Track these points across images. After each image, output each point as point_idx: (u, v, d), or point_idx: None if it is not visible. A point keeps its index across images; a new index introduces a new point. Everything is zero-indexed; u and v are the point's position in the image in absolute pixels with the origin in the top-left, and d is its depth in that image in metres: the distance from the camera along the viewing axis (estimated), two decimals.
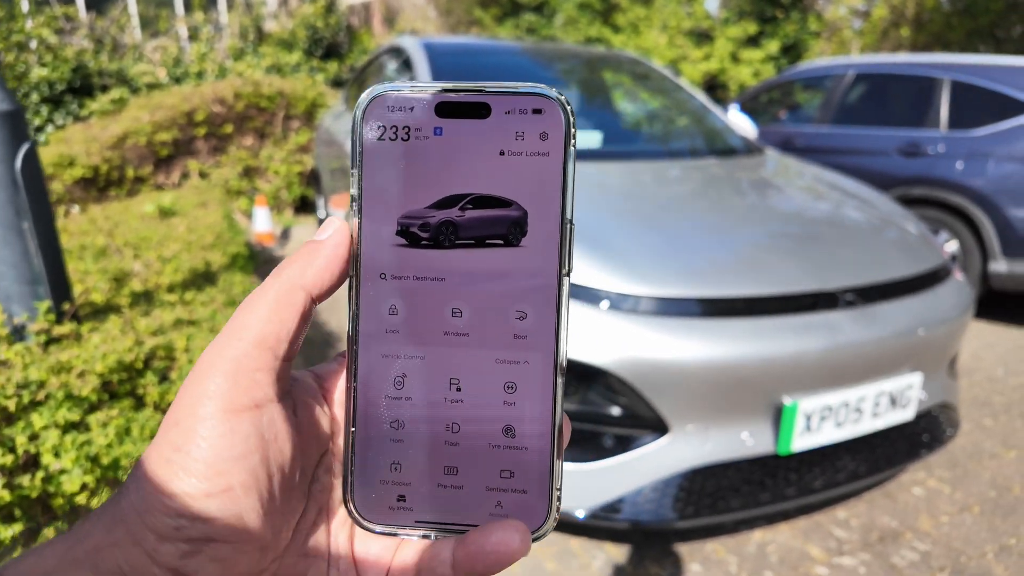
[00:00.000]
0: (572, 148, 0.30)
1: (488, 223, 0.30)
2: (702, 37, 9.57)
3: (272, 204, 5.86)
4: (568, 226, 0.30)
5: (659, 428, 1.55)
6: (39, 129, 6.57)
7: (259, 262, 3.85)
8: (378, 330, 0.31)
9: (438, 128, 0.30)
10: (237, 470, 0.26)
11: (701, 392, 1.52)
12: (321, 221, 4.33)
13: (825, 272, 1.73)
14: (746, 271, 1.68)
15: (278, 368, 0.28)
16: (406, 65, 2.93)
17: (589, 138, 2.73)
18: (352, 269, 0.31)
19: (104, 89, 6.82)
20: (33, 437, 1.24)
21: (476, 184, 0.30)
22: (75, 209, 5.19)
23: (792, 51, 9.83)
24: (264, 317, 0.28)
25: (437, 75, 2.61)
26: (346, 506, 0.31)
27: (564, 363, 0.30)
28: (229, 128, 5.76)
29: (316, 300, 0.29)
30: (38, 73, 6.52)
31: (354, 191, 0.30)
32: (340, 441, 0.32)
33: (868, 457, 1.74)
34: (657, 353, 1.51)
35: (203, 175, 5.75)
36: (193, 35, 8.52)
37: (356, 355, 0.31)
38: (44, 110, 6.56)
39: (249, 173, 5.92)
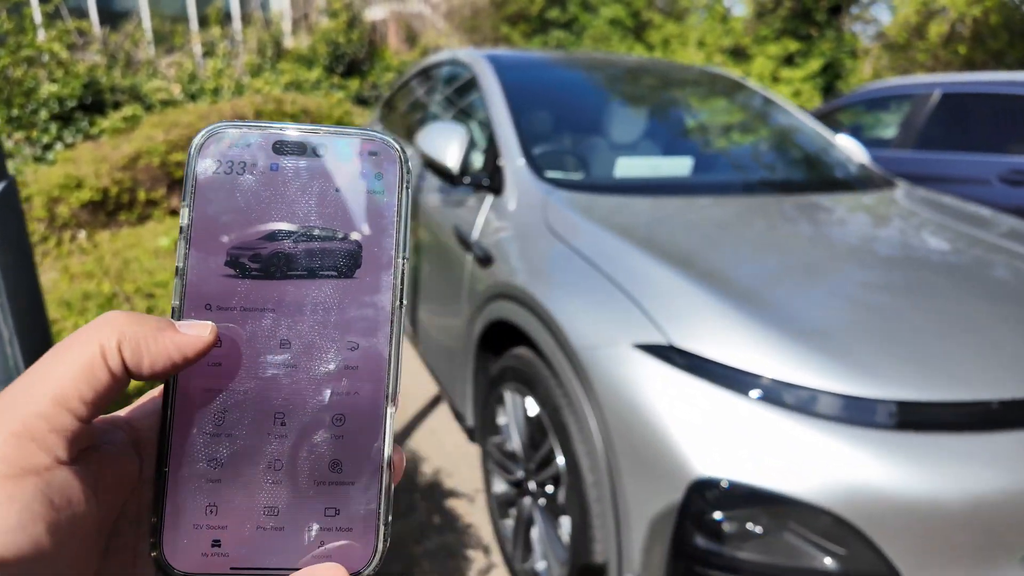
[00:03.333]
0: (407, 188, 0.31)
1: (321, 255, 0.30)
2: (738, 55, 9.21)
3: None
4: (402, 260, 0.31)
5: None
6: (47, 147, 6.22)
7: None
8: (199, 363, 0.29)
9: (274, 164, 0.30)
10: (16, 541, 0.22)
11: (954, 542, 1.07)
12: None
13: None
14: (982, 362, 1.23)
15: (76, 430, 0.25)
16: (469, 83, 2.52)
17: (677, 165, 2.30)
18: (176, 299, 0.29)
19: (116, 106, 6.48)
20: None
21: (311, 218, 0.30)
22: (82, 234, 4.80)
23: (829, 70, 9.46)
24: (70, 374, 0.25)
25: (510, 92, 2.20)
26: (153, 555, 0.28)
27: (395, 394, 0.30)
28: None
29: (131, 377, 0.27)
30: (48, 89, 6.18)
31: (184, 222, 0.30)
32: (150, 486, 0.29)
33: None
34: (882, 481, 1.06)
35: None
36: (209, 51, 8.20)
37: (174, 389, 0.29)
38: (53, 128, 6.21)
39: None
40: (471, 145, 2.04)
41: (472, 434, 2.06)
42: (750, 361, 1.17)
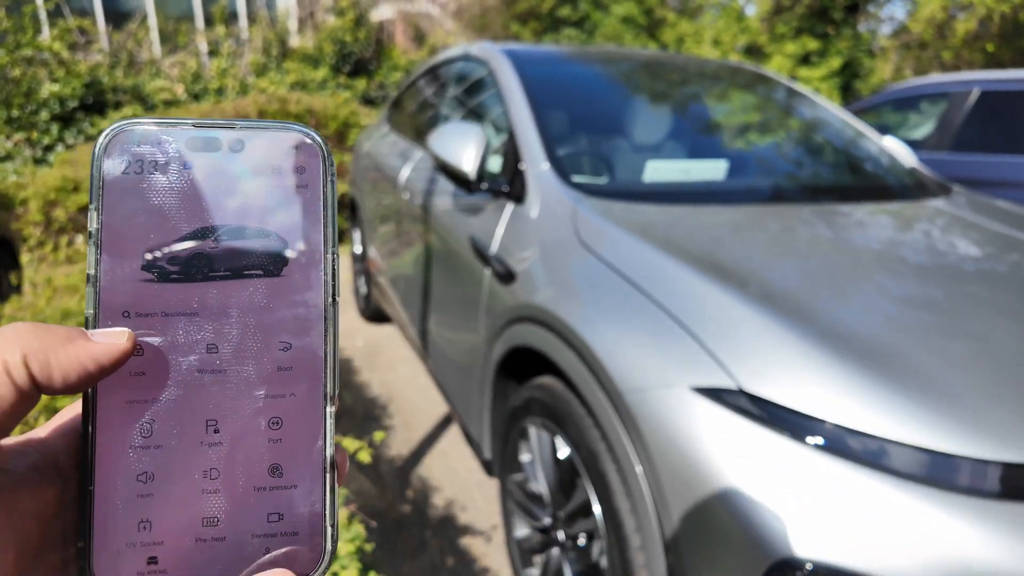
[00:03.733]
0: (330, 180, 0.30)
1: (245, 254, 0.29)
2: (754, 53, 8.97)
3: None
4: (331, 255, 0.30)
5: None
6: (48, 148, 6.07)
7: None
8: (121, 374, 0.28)
9: (188, 163, 0.29)
10: None
11: None
12: (357, 256, 3.73)
13: None
14: None
15: None
16: (484, 80, 2.33)
17: (711, 168, 2.10)
18: (90, 308, 0.28)
19: (118, 106, 6.33)
20: None
21: (232, 216, 0.29)
22: (79, 239, 4.64)
23: (846, 69, 9.21)
24: None
25: (531, 89, 2.00)
26: None
27: (333, 393, 0.29)
28: None
29: (42, 391, 0.25)
30: (49, 89, 6.03)
31: (93, 226, 0.28)
32: (74, 507, 0.28)
33: None
34: (1009, 565, 0.86)
35: None
36: (213, 50, 8.05)
37: (94, 404, 0.28)
38: (54, 129, 6.07)
39: None
40: (487, 147, 1.85)
41: (489, 467, 1.86)
42: (838, 412, 0.97)
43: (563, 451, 1.40)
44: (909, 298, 1.27)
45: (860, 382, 0.99)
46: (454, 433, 2.54)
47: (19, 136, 6.01)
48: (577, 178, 1.72)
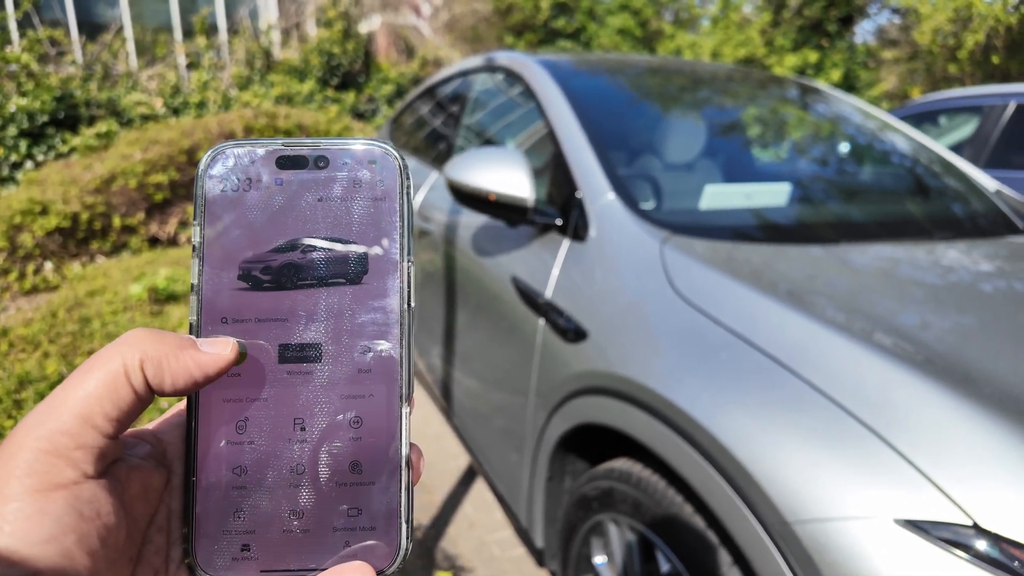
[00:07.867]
0: (407, 193, 0.31)
1: (329, 263, 0.30)
2: (753, 66, 8.83)
3: None
4: (407, 264, 0.31)
5: None
6: (16, 166, 5.66)
7: None
8: None
9: (279, 179, 0.31)
10: (48, 553, 0.23)
11: None
12: None
13: None
14: None
15: (102, 446, 0.25)
16: (515, 95, 2.04)
17: (772, 192, 1.82)
18: (194, 315, 0.30)
19: (92, 121, 5.94)
20: None
21: (317, 229, 0.30)
22: (48, 266, 4.25)
23: (843, 82, 9.10)
24: (94, 393, 0.25)
25: (578, 104, 1.72)
26: (185, 561, 0.29)
27: (408, 394, 0.30)
28: None
29: (155, 394, 0.27)
30: (16, 103, 5.63)
31: (196, 240, 0.30)
32: (179, 495, 0.30)
33: None
34: None
35: None
36: (194, 62, 7.69)
37: (196, 402, 0.30)
38: (22, 145, 5.66)
39: None
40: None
41: (540, 557, 1.55)
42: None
43: (664, 565, 1.09)
44: None
45: None
46: (478, 493, 2.22)
47: None
48: (655, 212, 1.43)
